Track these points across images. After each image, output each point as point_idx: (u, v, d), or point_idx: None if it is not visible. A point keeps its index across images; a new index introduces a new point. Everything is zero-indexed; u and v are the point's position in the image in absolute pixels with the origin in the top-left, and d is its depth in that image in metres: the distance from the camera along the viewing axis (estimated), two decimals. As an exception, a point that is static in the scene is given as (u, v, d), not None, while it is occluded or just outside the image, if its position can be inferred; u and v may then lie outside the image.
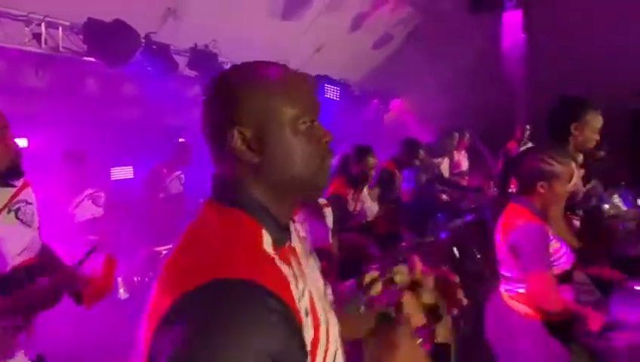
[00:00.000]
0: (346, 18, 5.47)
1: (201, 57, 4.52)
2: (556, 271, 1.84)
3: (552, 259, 1.84)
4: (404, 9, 6.20)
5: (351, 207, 3.44)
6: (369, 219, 3.53)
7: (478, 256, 3.25)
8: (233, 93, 0.80)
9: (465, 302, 1.01)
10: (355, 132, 6.52)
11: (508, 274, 1.97)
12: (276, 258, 0.75)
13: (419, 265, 1.01)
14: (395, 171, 4.16)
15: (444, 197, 4.07)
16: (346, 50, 5.99)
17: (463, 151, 5.93)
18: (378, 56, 6.80)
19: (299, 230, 0.97)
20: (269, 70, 0.83)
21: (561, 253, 1.88)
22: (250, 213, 0.79)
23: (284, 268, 0.75)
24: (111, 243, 3.30)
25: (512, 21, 5.95)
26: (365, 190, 3.57)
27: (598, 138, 2.45)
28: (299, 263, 0.83)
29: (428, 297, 0.99)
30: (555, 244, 1.87)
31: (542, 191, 1.92)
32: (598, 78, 6.73)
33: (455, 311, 1.01)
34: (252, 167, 0.80)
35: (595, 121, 2.42)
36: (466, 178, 5.61)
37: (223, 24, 4.44)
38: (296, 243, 0.88)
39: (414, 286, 1.01)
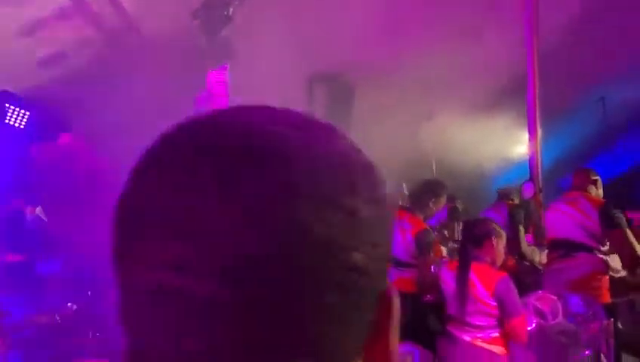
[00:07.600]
0: (18, 19, 3.98)
1: None
2: None
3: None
4: (89, 30, 5.09)
5: None
6: None
7: None
8: None
9: None
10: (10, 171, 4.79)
11: (482, 324, 2.48)
12: None
13: None
14: None
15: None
16: (5, 59, 4.35)
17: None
18: (43, 76, 5.28)
19: None
20: None
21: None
22: None
23: None
24: None
25: (217, 79, 5.87)
26: None
27: None
28: None
29: None
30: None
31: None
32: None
33: None
34: None
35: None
36: None
37: None
38: None
39: None
